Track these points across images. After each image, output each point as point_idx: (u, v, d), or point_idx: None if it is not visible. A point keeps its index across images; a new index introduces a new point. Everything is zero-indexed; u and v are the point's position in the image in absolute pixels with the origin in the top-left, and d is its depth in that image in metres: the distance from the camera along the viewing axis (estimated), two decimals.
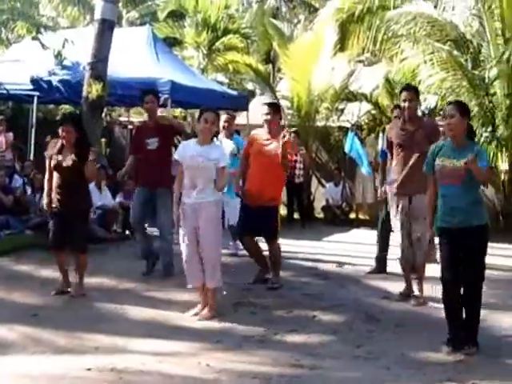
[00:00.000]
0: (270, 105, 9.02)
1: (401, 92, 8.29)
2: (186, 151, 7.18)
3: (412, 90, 8.20)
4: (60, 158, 7.86)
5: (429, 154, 6.52)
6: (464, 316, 6.25)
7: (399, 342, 6.49)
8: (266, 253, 8.92)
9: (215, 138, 7.35)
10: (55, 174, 7.95)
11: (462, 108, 6.34)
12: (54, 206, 7.96)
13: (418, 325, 6.64)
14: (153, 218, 9.39)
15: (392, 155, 8.21)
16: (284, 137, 8.46)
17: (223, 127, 10.44)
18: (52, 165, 7.94)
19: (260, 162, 8.63)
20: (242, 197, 8.97)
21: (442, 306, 6.45)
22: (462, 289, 6.22)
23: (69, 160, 7.80)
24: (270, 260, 8.84)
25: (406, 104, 7.95)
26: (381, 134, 9.20)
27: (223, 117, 10.70)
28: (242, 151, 9.55)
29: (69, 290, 8.06)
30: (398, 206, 8.02)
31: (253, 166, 8.76)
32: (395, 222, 8.14)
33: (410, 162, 7.83)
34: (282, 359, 5.99)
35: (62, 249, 8.01)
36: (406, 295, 8.09)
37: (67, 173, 7.82)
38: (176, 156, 7.35)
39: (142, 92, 9.54)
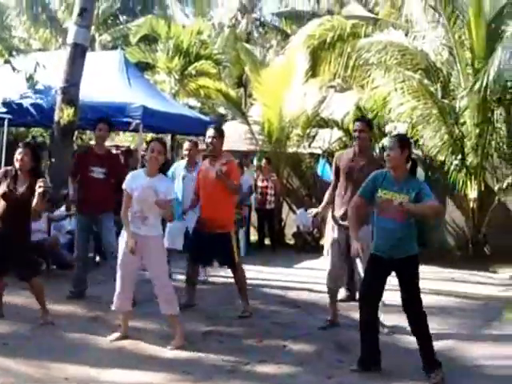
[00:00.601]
0: (214, 128, 8.89)
1: (354, 122, 8.38)
2: (134, 182, 7.16)
3: (365, 122, 8.25)
4: (12, 186, 7.61)
5: (370, 179, 6.58)
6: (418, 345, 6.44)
7: (369, 372, 6.48)
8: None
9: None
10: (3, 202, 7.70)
11: (401, 141, 6.45)
12: None
13: (389, 354, 6.63)
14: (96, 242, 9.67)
15: (337, 182, 8.27)
16: (227, 162, 8.57)
17: (185, 155, 10.45)
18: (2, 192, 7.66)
19: (204, 189, 8.69)
20: (196, 225, 8.92)
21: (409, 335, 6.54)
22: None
23: (24, 189, 7.55)
24: (237, 287, 8.80)
25: (357, 134, 8.01)
26: (321, 160, 9.22)
27: (185, 144, 10.74)
28: None
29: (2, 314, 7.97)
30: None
31: (201, 194, 8.81)
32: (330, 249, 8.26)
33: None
34: None
35: None
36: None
37: (15, 201, 7.57)
38: (124, 186, 7.22)
39: (97, 119, 9.60)
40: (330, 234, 8.29)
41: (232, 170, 8.61)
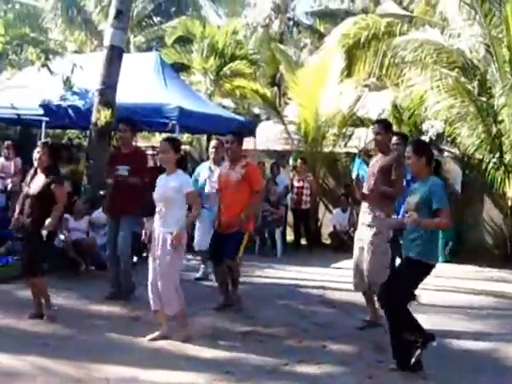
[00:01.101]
0: (233, 134, 8.99)
1: (373, 124, 8.59)
2: (159, 183, 7.41)
3: (381, 124, 8.29)
4: (28, 185, 7.96)
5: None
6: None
7: (409, 372, 6.41)
8: None
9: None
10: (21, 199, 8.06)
11: (417, 149, 6.54)
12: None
13: (427, 354, 6.58)
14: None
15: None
16: (246, 165, 8.69)
17: (211, 153, 10.59)
18: (24, 191, 8.04)
19: (225, 192, 8.82)
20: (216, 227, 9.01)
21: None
22: None
23: (36, 187, 7.85)
24: (232, 281, 8.89)
25: (373, 137, 8.29)
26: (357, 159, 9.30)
27: (212, 143, 10.96)
28: None
29: (43, 314, 8.07)
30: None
31: (221, 197, 8.95)
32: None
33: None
34: None
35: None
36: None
37: (31, 199, 7.86)
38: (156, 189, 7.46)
39: (119, 120, 9.71)
40: (356, 234, 8.30)
41: (249, 173, 8.71)
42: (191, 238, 10.32)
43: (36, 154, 7.95)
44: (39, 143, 8.25)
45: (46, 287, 8.13)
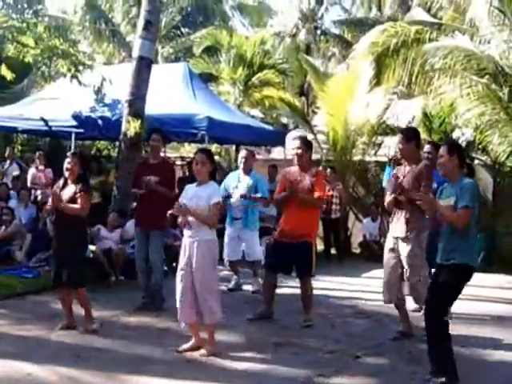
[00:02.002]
0: (301, 139, 9.04)
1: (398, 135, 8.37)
2: (186, 194, 7.36)
3: (403, 134, 8.12)
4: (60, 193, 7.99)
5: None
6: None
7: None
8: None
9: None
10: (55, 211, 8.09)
11: (449, 148, 6.47)
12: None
13: (461, 364, 6.48)
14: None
15: None
16: (316, 174, 8.63)
17: (241, 163, 10.63)
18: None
19: (295, 200, 8.60)
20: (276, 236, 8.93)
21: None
22: None
23: (67, 196, 7.89)
24: (302, 298, 8.75)
25: (398, 147, 8.05)
26: (387, 168, 9.23)
27: (242, 152, 11.01)
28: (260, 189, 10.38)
29: (74, 325, 8.12)
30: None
31: (288, 204, 8.75)
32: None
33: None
34: None
35: (59, 285, 8.08)
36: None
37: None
38: (180, 198, 7.41)
39: (150, 130, 9.76)
40: (386, 244, 8.19)
41: (318, 183, 8.64)
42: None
43: (67, 165, 7.99)
44: (69, 154, 8.32)
45: (88, 299, 8.15)
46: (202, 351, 7.19)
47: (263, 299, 8.98)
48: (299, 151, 8.64)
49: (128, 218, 11.88)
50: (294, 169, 8.83)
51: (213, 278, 7.29)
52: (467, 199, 6.17)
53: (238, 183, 10.58)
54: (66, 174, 8.02)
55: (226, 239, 10.72)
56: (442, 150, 6.46)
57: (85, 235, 8.42)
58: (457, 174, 6.40)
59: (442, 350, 6.27)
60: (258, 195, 10.44)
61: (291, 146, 8.82)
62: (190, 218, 7.13)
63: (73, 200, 7.86)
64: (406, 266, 7.78)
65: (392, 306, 8.21)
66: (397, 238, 7.89)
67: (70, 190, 7.92)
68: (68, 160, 8.04)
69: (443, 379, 6.14)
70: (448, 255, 6.28)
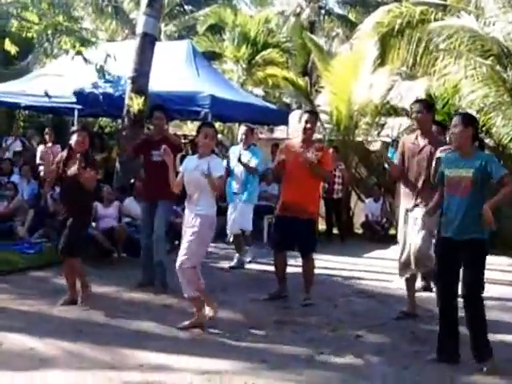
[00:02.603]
0: (311, 113, 9.00)
1: (412, 105, 8.17)
2: (188, 164, 7.38)
3: (421, 103, 8.03)
4: (64, 168, 8.01)
5: (436, 165, 6.67)
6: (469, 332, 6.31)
7: (447, 363, 6.35)
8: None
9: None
10: (60, 185, 8.23)
11: (464, 118, 6.38)
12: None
13: (466, 345, 6.49)
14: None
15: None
16: (322, 149, 8.60)
17: (241, 139, 10.75)
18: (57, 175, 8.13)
19: (291, 172, 8.54)
20: (278, 211, 8.89)
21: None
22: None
23: (73, 169, 7.89)
24: (304, 276, 8.73)
25: (414, 116, 7.85)
26: (390, 149, 9.16)
27: (241, 129, 11.10)
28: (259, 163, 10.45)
29: (76, 300, 8.15)
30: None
31: (286, 177, 8.70)
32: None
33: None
34: (329, 379, 5.93)
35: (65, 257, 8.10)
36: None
37: (70, 183, 7.93)
38: (180, 168, 7.49)
39: (152, 107, 9.68)
40: (400, 221, 8.13)
41: (324, 157, 8.56)
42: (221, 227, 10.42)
43: (77, 137, 7.99)
44: (79, 127, 8.38)
45: (83, 268, 8.18)
46: (185, 323, 7.24)
47: (277, 279, 8.88)
48: (309, 125, 8.56)
49: (128, 194, 11.88)
50: (297, 141, 8.78)
51: (199, 251, 7.21)
52: (501, 168, 6.15)
53: (239, 157, 10.68)
54: (76, 146, 7.98)
55: (228, 215, 10.88)
56: (456, 120, 6.32)
57: (90, 209, 8.47)
58: (469, 147, 6.28)
59: (485, 332, 6.24)
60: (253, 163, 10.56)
61: (301, 119, 8.70)
62: (194, 193, 7.15)
63: (79, 175, 7.84)
64: (419, 230, 7.67)
65: (397, 285, 8.19)
66: (407, 210, 7.84)
67: (76, 165, 7.88)
68: (78, 133, 8.06)
69: (490, 361, 6.17)
70: (465, 230, 6.17)
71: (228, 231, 10.94)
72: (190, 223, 7.17)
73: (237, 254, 10.91)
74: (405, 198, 7.98)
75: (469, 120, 6.40)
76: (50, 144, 15.19)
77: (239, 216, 10.73)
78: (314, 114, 8.93)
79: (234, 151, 11.03)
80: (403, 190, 8.05)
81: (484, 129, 14.41)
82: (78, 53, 13.87)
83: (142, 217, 9.52)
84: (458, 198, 6.21)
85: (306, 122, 8.56)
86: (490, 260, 9.19)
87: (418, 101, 8.40)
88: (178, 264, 7.13)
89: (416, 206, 7.73)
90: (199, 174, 7.05)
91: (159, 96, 12.67)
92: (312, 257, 8.71)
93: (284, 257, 8.85)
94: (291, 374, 6.01)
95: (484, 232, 6.18)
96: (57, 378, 5.71)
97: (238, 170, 10.66)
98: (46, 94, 14.07)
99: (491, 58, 14.30)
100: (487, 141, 14.78)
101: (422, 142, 7.81)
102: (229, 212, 10.89)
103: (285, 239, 8.61)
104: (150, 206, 9.18)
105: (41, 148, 15.39)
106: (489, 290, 9.62)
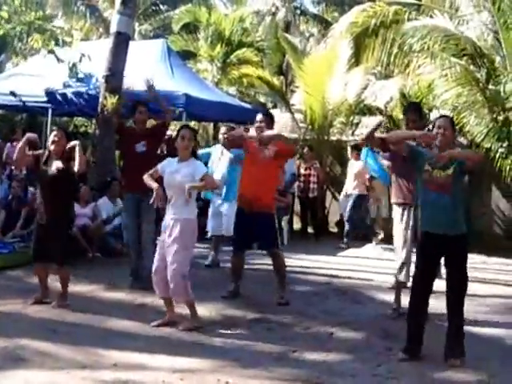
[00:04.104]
0: (266, 114, 9.06)
1: (406, 112, 8.34)
2: (167, 167, 7.36)
3: (416, 111, 8.18)
4: (45, 167, 7.95)
5: (421, 149, 6.75)
6: (449, 326, 6.46)
7: (419, 360, 6.41)
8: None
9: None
10: (39, 185, 8.14)
11: (453, 123, 6.64)
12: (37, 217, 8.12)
13: (438, 341, 6.54)
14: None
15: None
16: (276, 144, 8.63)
17: (222, 139, 10.75)
18: (37, 174, 8.11)
19: (250, 168, 8.63)
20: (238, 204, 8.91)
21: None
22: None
23: (54, 168, 7.85)
24: (276, 274, 8.76)
25: (410, 125, 7.94)
26: (364, 148, 9.21)
27: (222, 129, 11.06)
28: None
29: (47, 300, 8.12)
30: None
31: (245, 172, 8.79)
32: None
33: None
34: (301, 376, 5.93)
35: (40, 260, 8.04)
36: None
37: (51, 182, 7.87)
38: (158, 167, 7.43)
39: (135, 103, 9.65)
40: (398, 224, 8.11)
41: (282, 146, 8.62)
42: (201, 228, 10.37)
43: (53, 138, 7.97)
44: (55, 128, 8.38)
45: (69, 277, 8.16)
46: (183, 325, 7.24)
47: (233, 278, 8.89)
48: (262, 124, 8.64)
49: (103, 194, 11.85)
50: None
51: (185, 258, 7.23)
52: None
53: (221, 156, 10.71)
54: (52, 146, 7.95)
55: (209, 214, 10.89)
56: (446, 123, 6.46)
57: (71, 211, 8.41)
58: (449, 148, 6.44)
59: (463, 328, 6.42)
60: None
61: (255, 120, 8.80)
62: (175, 196, 7.16)
63: (60, 174, 7.81)
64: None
65: (368, 283, 8.24)
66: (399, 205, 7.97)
67: (57, 164, 7.86)
68: (54, 133, 8.05)
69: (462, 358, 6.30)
70: (454, 226, 6.34)
71: (209, 230, 10.93)
72: (171, 229, 7.17)
73: (212, 252, 10.88)
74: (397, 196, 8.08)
75: (454, 125, 6.67)
76: (15, 143, 15.07)
77: (228, 220, 10.46)
78: (268, 115, 8.97)
79: (214, 151, 11.04)
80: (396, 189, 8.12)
81: (457, 128, 14.49)
82: (51, 52, 13.76)
83: (127, 212, 9.43)
84: (441, 195, 6.34)
85: (260, 121, 8.67)
86: None
87: (410, 109, 8.39)
88: (169, 276, 7.13)
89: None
90: (180, 178, 7.09)
91: (134, 95, 12.61)
92: (278, 253, 8.71)
93: (243, 256, 8.87)
94: (264, 371, 6.03)
95: (465, 226, 6.42)
96: (30, 377, 5.67)
97: (221, 169, 10.64)
98: (13, 94, 13.95)
99: (465, 58, 14.39)
100: (461, 140, 14.89)
101: None
102: (210, 212, 10.87)
103: (245, 237, 8.60)
104: (136, 199, 9.09)
105: (8, 146, 15.26)
106: None
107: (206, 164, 10.13)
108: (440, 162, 6.33)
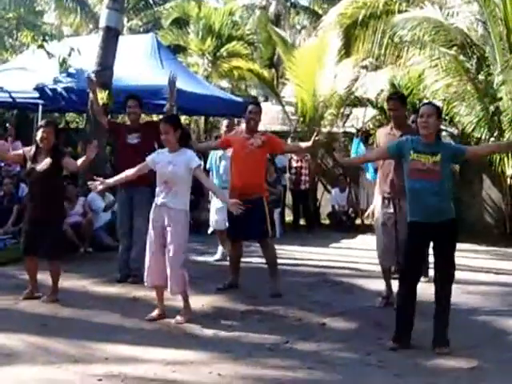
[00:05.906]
0: (256, 104, 9.15)
1: (387, 101, 8.39)
2: (157, 159, 7.34)
3: (397, 99, 8.17)
4: (33, 164, 7.90)
5: (401, 140, 6.71)
6: (435, 314, 6.47)
7: (410, 349, 6.42)
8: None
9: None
10: (28, 181, 8.11)
11: (438, 110, 6.60)
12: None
13: (427, 330, 6.56)
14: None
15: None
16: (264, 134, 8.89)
17: (224, 132, 10.75)
18: (26, 171, 8.05)
19: (238, 159, 8.68)
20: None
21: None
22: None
23: (44, 165, 7.81)
24: (267, 265, 8.80)
25: (391, 114, 8.08)
26: (355, 139, 9.28)
27: (224, 122, 11.04)
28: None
29: (38, 295, 8.11)
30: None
31: (236, 162, 8.80)
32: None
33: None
34: (293, 367, 5.94)
35: (31, 255, 8.01)
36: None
37: (40, 178, 7.83)
38: (148, 160, 7.41)
39: (126, 97, 9.58)
40: (378, 210, 8.18)
41: (270, 140, 8.74)
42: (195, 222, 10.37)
43: (42, 134, 7.86)
44: (43, 122, 8.18)
45: (60, 272, 8.15)
46: (178, 318, 7.24)
47: (231, 270, 8.95)
48: (252, 115, 8.70)
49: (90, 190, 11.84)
50: (241, 130, 8.93)
51: (184, 249, 7.28)
52: (464, 147, 6.76)
53: (223, 152, 10.52)
54: (41, 143, 7.88)
55: (212, 209, 10.83)
56: (431, 111, 6.42)
57: (63, 206, 8.42)
58: (434, 135, 6.46)
59: (448, 315, 6.45)
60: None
61: (247, 110, 8.80)
62: (169, 187, 7.17)
63: (50, 169, 7.79)
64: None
65: (360, 273, 8.26)
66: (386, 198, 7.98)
67: (46, 161, 7.83)
68: (43, 129, 7.91)
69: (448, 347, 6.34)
70: (444, 212, 6.36)
71: (213, 226, 10.89)
72: (165, 220, 7.18)
73: (220, 247, 10.86)
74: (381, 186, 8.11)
75: (440, 112, 6.62)
76: (10, 139, 15.06)
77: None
78: (258, 106, 9.02)
79: (215, 151, 10.94)
80: (380, 179, 8.15)
81: (448, 118, 14.56)
82: (40, 46, 13.73)
83: (120, 206, 9.44)
84: (429, 182, 6.31)
85: (250, 112, 8.71)
86: None
87: (392, 97, 8.43)
88: (167, 265, 7.15)
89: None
90: (173, 168, 7.12)
91: (124, 90, 12.58)
92: (270, 243, 8.75)
93: (240, 247, 8.90)
94: (256, 362, 6.03)
95: (453, 210, 6.44)
96: (22, 372, 5.67)
97: (220, 164, 10.64)
98: (2, 89, 13.92)
99: (454, 48, 14.47)
100: (451, 130, 14.94)
101: (397, 132, 7.91)
102: (213, 207, 10.75)
103: (238, 227, 8.55)
104: (128, 193, 9.09)
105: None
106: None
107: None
108: (433, 176, 6.31)
